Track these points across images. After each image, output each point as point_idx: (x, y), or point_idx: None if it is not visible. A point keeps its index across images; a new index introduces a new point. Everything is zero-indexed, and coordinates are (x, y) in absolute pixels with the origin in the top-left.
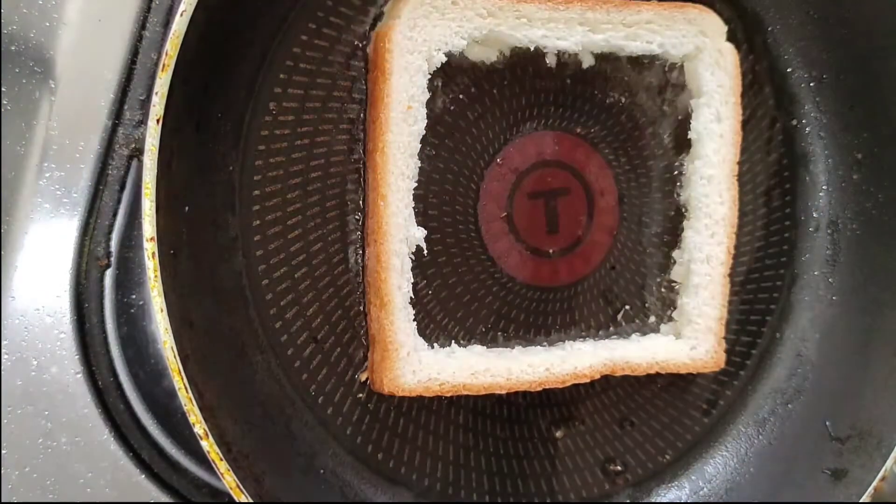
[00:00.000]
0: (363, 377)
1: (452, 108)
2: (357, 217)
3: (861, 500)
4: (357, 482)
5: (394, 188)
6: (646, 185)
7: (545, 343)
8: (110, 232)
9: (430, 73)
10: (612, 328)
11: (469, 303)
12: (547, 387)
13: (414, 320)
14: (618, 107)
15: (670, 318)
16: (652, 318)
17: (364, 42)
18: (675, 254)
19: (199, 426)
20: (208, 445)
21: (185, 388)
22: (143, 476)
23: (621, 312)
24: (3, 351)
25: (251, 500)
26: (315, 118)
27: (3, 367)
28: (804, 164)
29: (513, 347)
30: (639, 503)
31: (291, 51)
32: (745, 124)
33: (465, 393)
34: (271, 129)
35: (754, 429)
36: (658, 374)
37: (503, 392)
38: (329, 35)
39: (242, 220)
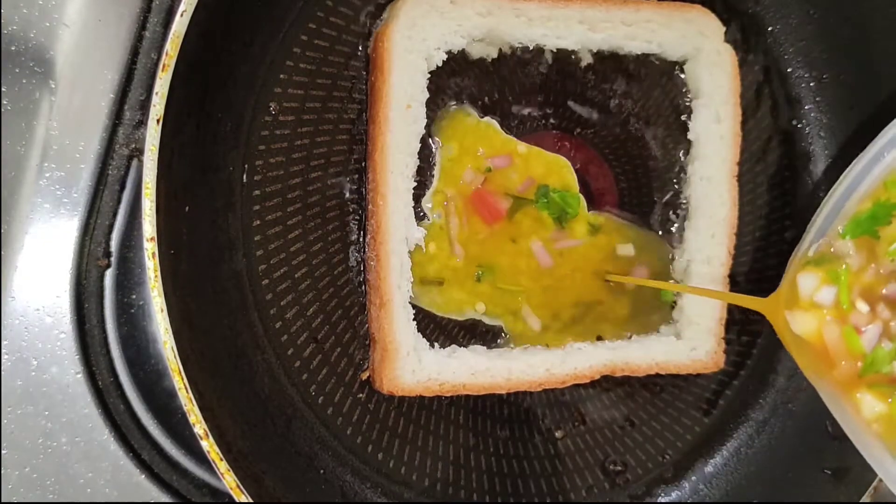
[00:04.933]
0: (364, 376)
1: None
2: (357, 217)
3: (861, 500)
4: (357, 482)
5: (393, 187)
6: (646, 185)
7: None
8: (110, 232)
9: (429, 73)
10: None
11: None
12: (547, 387)
13: (414, 320)
14: (617, 107)
15: (671, 319)
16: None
17: (364, 42)
18: (676, 254)
19: (199, 426)
20: (208, 445)
21: (185, 388)
22: (143, 476)
23: None
24: (3, 351)
25: (251, 500)
26: (315, 118)
27: (3, 367)
28: (804, 164)
29: (513, 347)
30: (639, 503)
31: (291, 51)
32: (745, 125)
33: (466, 393)
34: (271, 129)
35: (754, 429)
36: (658, 375)
37: (503, 392)
38: (329, 35)
39: (242, 220)
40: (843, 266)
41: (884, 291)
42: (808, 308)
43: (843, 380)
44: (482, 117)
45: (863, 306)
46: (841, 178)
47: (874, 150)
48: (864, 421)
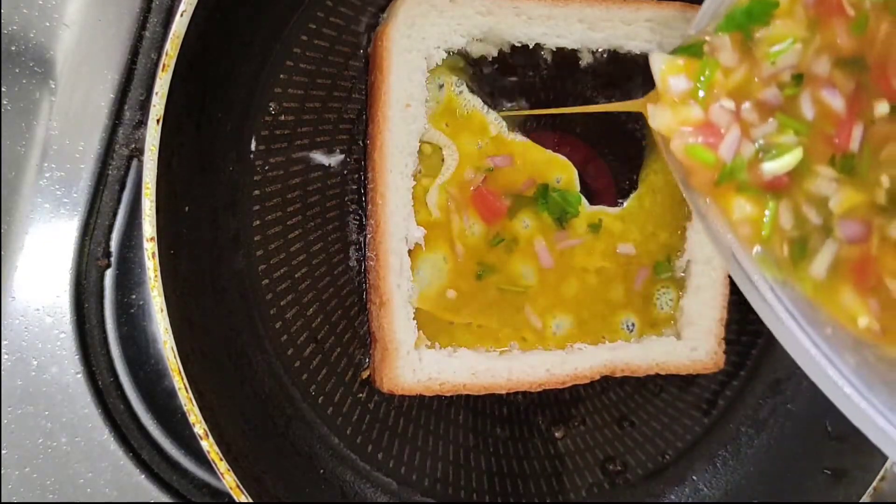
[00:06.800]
0: (364, 376)
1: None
2: (357, 217)
3: (861, 501)
4: (357, 482)
5: (392, 187)
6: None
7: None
8: (110, 232)
9: (428, 72)
10: None
11: None
12: (547, 387)
13: (414, 319)
14: None
15: (671, 320)
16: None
17: (364, 42)
18: (676, 254)
19: (199, 426)
20: (208, 445)
21: (185, 388)
22: (143, 476)
23: None
24: (3, 351)
25: (251, 500)
26: (315, 118)
27: (3, 367)
28: None
29: (513, 347)
30: (639, 503)
31: (291, 51)
32: None
33: (466, 392)
34: (271, 129)
35: (754, 429)
36: (658, 375)
37: (503, 392)
38: (329, 35)
39: (242, 220)
40: (711, 59)
41: (760, 96)
42: (669, 101)
43: (704, 185)
44: (485, 112)
45: (727, 102)
46: None
47: None
48: (732, 222)
